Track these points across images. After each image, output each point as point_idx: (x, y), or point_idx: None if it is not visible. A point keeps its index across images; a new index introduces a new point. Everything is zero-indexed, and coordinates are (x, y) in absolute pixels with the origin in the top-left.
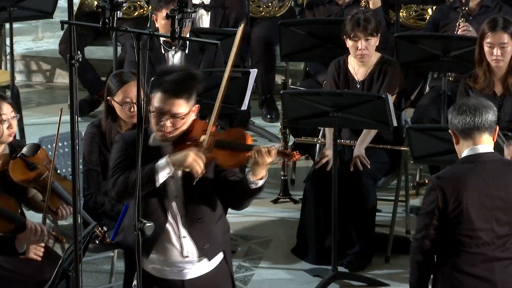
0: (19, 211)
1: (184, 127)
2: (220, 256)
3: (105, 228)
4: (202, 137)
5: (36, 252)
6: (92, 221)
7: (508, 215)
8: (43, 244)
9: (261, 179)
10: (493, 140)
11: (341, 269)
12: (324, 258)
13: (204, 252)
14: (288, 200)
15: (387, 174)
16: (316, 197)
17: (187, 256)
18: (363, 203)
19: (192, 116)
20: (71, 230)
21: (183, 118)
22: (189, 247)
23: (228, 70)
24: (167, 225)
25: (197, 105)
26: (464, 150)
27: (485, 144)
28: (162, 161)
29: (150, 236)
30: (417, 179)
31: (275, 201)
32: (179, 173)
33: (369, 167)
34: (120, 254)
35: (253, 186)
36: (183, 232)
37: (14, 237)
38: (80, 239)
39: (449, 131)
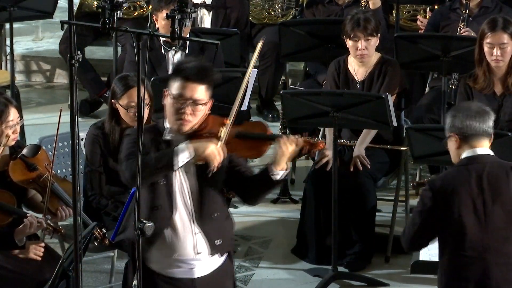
0: (15, 205)
1: (200, 120)
2: (225, 254)
3: (104, 230)
4: (221, 129)
5: (36, 252)
6: (91, 222)
7: (503, 219)
8: (43, 244)
9: (282, 170)
10: (489, 143)
11: (341, 269)
12: (324, 258)
13: (216, 248)
14: (288, 200)
15: (387, 174)
16: (316, 197)
17: (199, 253)
18: (363, 203)
19: (207, 110)
20: (71, 230)
21: (203, 106)
22: (202, 244)
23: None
24: (179, 221)
25: (211, 100)
26: (462, 154)
27: (484, 147)
28: (182, 145)
29: (154, 232)
30: (417, 179)
31: (275, 201)
32: (194, 168)
33: (369, 167)
34: (120, 254)
35: (275, 178)
36: (196, 228)
37: (12, 231)
38: (80, 239)
39: (451, 134)
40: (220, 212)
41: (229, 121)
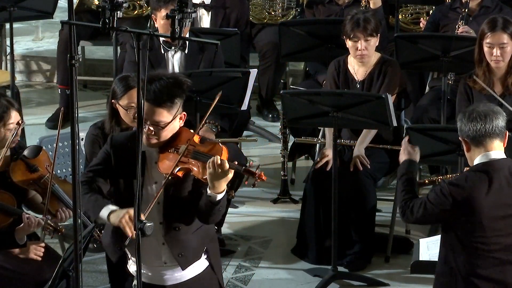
0: (15, 205)
1: (169, 134)
2: (203, 264)
3: (103, 231)
4: (183, 147)
5: (36, 252)
6: (90, 223)
7: None
8: (43, 244)
9: (220, 193)
10: (504, 145)
11: (341, 269)
12: (324, 258)
13: (179, 261)
14: (288, 200)
15: (387, 174)
16: (316, 197)
17: (165, 263)
18: (363, 203)
19: (178, 123)
20: (71, 230)
21: (164, 127)
22: (167, 254)
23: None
24: None
25: (183, 113)
26: (476, 157)
27: (497, 150)
28: (103, 214)
29: (131, 240)
30: (417, 179)
31: (275, 201)
32: (163, 179)
33: (369, 167)
34: None
35: (212, 200)
36: (162, 238)
37: (13, 230)
38: (80, 239)
39: (459, 138)
40: (185, 225)
41: (191, 139)
